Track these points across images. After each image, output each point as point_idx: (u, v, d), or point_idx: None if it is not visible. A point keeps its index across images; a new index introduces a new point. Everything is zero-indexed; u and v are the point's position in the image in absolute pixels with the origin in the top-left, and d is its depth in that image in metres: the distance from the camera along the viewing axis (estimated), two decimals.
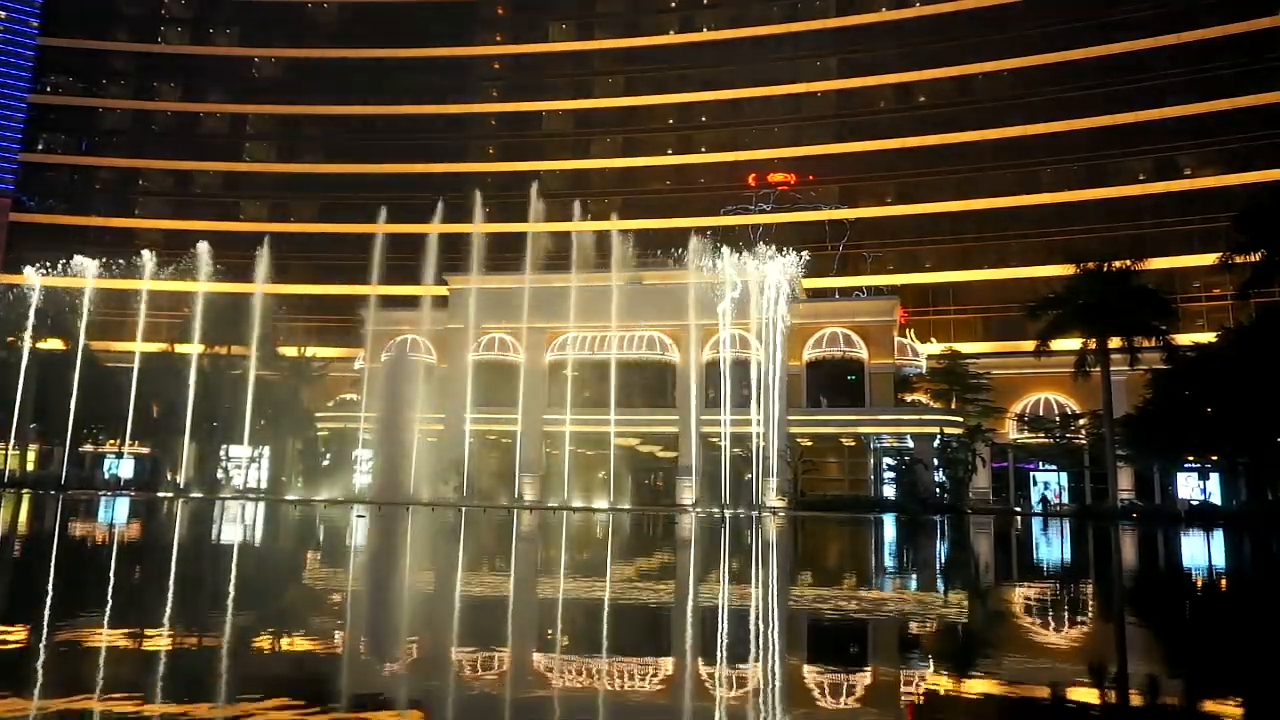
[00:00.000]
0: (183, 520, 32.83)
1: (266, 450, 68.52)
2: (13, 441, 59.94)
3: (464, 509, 48.84)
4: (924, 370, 66.65)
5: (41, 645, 8.36)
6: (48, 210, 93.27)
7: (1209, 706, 7.43)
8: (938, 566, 21.84)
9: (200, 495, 54.74)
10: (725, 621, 10.89)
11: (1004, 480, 68.78)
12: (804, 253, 63.07)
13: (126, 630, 9.51)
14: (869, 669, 8.69)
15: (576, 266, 63.38)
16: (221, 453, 60.62)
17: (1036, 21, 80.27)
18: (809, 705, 6.90)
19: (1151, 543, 33.39)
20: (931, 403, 64.99)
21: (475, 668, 7.91)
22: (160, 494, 55.46)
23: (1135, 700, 7.56)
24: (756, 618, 11.18)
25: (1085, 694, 7.67)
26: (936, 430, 56.58)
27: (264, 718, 5.92)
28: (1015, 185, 79.05)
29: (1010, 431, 68.83)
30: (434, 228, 62.29)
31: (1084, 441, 64.41)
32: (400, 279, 67.98)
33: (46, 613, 10.26)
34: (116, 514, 36.54)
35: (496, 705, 6.75)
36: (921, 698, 7.30)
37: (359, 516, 36.76)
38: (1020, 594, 15.58)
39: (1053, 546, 30.52)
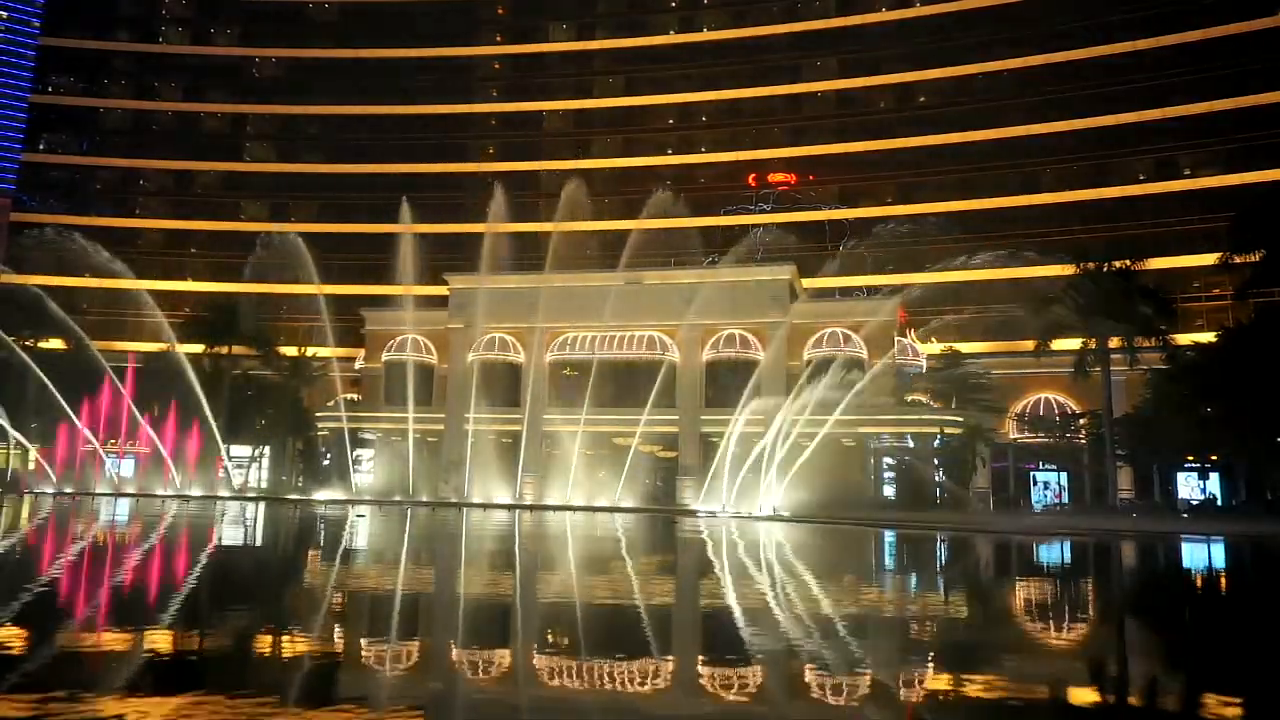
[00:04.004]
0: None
1: (267, 450, 68.65)
2: (14, 443, 59.99)
3: (464, 508, 48.93)
4: (924, 370, 66.63)
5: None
6: (48, 210, 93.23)
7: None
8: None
9: (201, 495, 54.81)
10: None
11: (1004, 480, 68.73)
12: (804, 253, 63.14)
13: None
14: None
15: (577, 266, 63.54)
16: (222, 453, 60.60)
17: (1036, 21, 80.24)
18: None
19: (1151, 543, 33.42)
20: (931, 403, 64.98)
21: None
22: (161, 495, 55.52)
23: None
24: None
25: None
26: (937, 430, 56.59)
27: None
28: (1015, 185, 79.03)
29: (1010, 431, 68.77)
30: (434, 228, 62.34)
31: (1084, 441, 64.40)
32: (400, 278, 67.93)
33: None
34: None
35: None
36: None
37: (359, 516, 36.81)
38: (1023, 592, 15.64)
39: (1053, 548, 30.57)
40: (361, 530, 29.90)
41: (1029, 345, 58.90)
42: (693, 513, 51.35)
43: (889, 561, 23.98)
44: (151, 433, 56.57)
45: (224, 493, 57.23)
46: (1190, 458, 59.58)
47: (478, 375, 61.29)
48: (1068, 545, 30.90)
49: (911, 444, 60.59)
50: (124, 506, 43.33)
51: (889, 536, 33.43)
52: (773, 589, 15.65)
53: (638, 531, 33.11)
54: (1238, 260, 45.68)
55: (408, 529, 31.21)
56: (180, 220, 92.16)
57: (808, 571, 20.38)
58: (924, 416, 59.13)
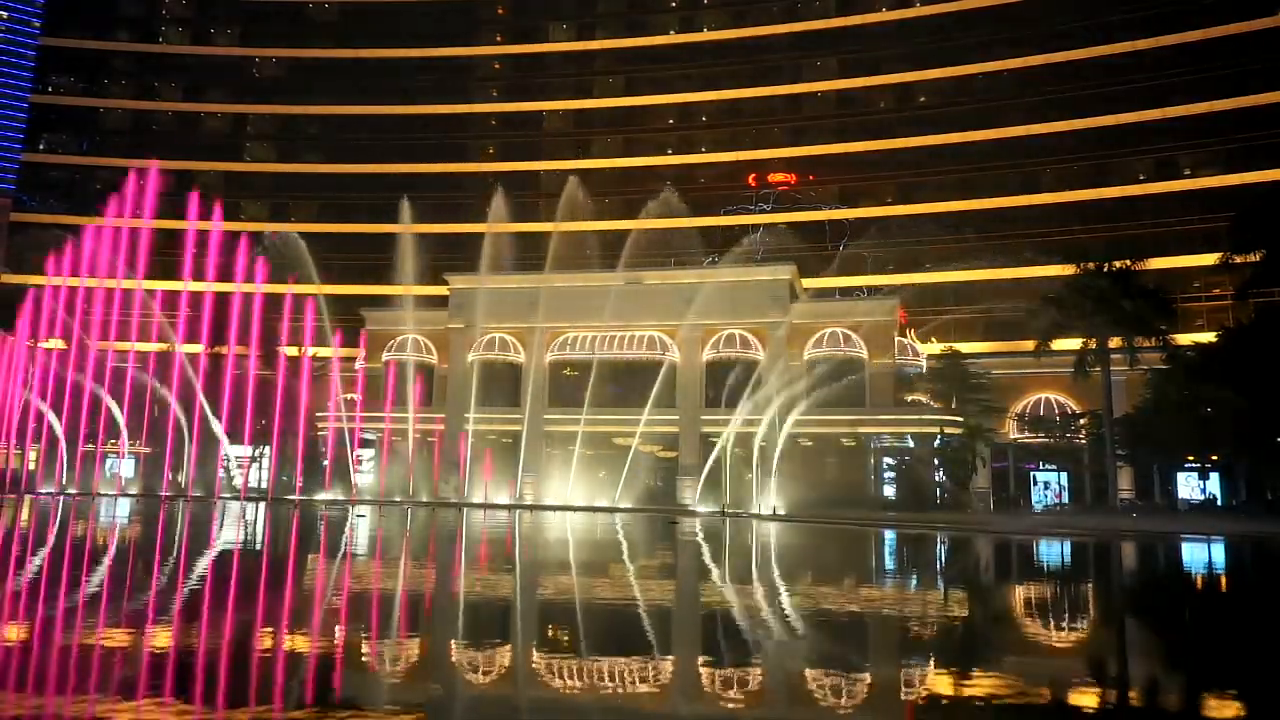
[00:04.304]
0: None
1: (266, 450, 68.53)
2: (14, 442, 59.97)
3: (464, 508, 48.94)
4: (924, 370, 66.65)
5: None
6: (48, 210, 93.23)
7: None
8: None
9: (201, 496, 54.85)
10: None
11: (1004, 480, 68.71)
12: (804, 253, 63.16)
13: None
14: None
15: (577, 266, 63.55)
16: (223, 453, 60.64)
17: (1036, 21, 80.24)
18: None
19: (1151, 542, 33.41)
20: (932, 403, 64.96)
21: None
22: (163, 495, 55.53)
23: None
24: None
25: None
26: (937, 430, 56.60)
27: None
28: (1015, 185, 79.03)
29: (1010, 431, 68.74)
30: (434, 227, 62.41)
31: (1084, 441, 64.36)
32: (400, 278, 67.97)
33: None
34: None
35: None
36: None
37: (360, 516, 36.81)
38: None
39: (1054, 547, 30.56)
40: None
41: (1029, 345, 58.92)
42: (693, 513, 51.38)
43: (889, 561, 23.97)
44: (150, 433, 56.52)
45: (225, 493, 57.27)
46: (1190, 458, 59.52)
47: (478, 375, 61.32)
48: (1068, 545, 30.90)
49: (911, 444, 60.59)
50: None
51: (889, 536, 33.42)
52: (768, 589, 15.65)
53: (637, 532, 33.11)
54: (1238, 260, 45.72)
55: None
56: (180, 220, 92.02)
57: (806, 572, 20.39)
58: (924, 416, 59.15)
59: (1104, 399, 52.87)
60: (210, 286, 62.39)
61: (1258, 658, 9.91)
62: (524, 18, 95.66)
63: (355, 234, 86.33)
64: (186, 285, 63.00)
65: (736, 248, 69.12)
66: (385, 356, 65.64)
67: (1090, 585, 20.01)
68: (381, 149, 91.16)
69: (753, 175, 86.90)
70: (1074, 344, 54.70)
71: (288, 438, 63.25)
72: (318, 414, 64.42)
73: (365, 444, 63.86)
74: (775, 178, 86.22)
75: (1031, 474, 69.52)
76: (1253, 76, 72.84)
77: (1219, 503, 59.34)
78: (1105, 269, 53.16)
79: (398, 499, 54.14)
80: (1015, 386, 68.28)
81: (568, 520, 39.90)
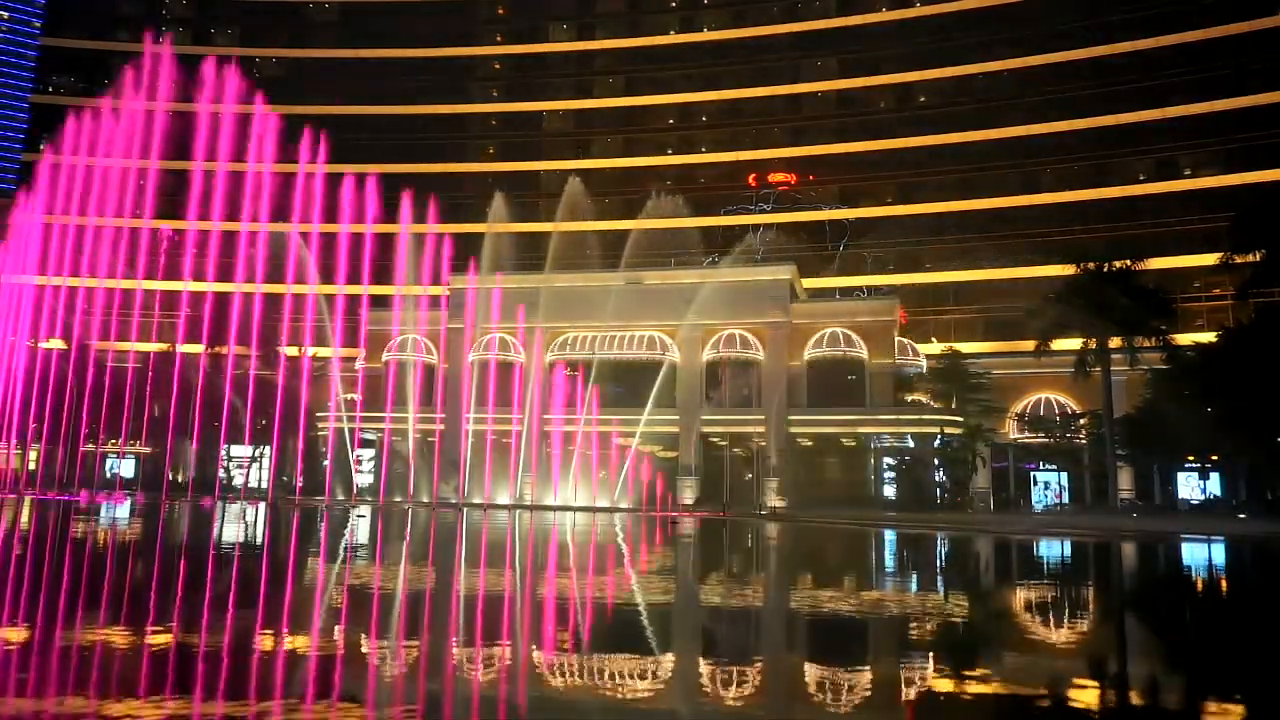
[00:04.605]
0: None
1: (266, 450, 68.58)
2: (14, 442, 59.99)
3: (464, 509, 48.97)
4: (924, 370, 66.71)
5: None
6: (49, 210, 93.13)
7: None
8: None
9: (200, 496, 54.83)
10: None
11: (1004, 480, 68.76)
12: (804, 253, 63.28)
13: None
14: None
15: (577, 266, 63.62)
16: (223, 453, 60.70)
17: (1036, 21, 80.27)
18: None
19: (1152, 542, 33.44)
20: (932, 403, 65.00)
21: None
22: (163, 496, 55.51)
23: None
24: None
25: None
26: (937, 430, 56.65)
27: None
28: (1015, 185, 79.05)
29: (1010, 431, 68.79)
30: (433, 228, 62.40)
31: (1084, 441, 64.41)
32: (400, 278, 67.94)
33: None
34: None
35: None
36: None
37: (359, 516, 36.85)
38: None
39: (1054, 546, 30.58)
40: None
41: (1029, 345, 58.96)
42: (693, 513, 51.41)
43: (889, 562, 23.98)
44: (151, 433, 56.48)
45: (225, 493, 57.30)
46: (1190, 458, 59.57)
47: (478, 375, 61.37)
48: (1069, 545, 30.90)
49: (912, 444, 60.65)
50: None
51: (889, 536, 33.43)
52: (765, 589, 15.67)
53: (637, 532, 33.12)
54: (1238, 260, 45.71)
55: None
56: (181, 220, 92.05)
57: (804, 572, 20.40)
58: (924, 416, 59.22)
59: (1104, 399, 52.90)
60: (210, 286, 62.37)
61: (1258, 658, 9.92)
62: (524, 18, 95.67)
63: (354, 234, 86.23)
64: (186, 285, 62.91)
65: (737, 248, 69.20)
66: (385, 356, 65.69)
67: (1090, 586, 20.02)
68: (381, 149, 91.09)
69: (753, 175, 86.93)
70: (1074, 344, 54.75)
71: (288, 438, 63.31)
72: (318, 414, 64.49)
73: (365, 444, 63.91)
74: (775, 178, 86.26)
75: (1031, 474, 69.56)
76: (1253, 76, 72.88)
77: (1219, 502, 59.38)
78: (1105, 269, 53.21)
79: (398, 499, 54.17)
80: (1015, 386, 68.31)
81: (567, 521, 39.93)
